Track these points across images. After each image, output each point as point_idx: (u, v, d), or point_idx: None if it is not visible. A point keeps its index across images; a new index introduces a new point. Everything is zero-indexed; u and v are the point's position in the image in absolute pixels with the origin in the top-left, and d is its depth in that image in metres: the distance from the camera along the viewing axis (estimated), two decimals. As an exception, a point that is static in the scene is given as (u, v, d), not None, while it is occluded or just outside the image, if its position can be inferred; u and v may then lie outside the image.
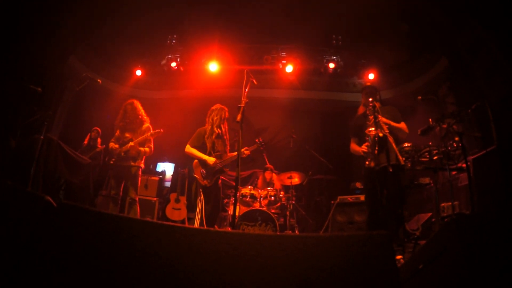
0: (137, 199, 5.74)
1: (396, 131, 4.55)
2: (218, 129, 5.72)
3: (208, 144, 5.66)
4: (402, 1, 7.45)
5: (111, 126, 6.19)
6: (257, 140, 6.09)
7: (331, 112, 11.46)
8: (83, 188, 6.75)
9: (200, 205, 5.59)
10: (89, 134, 8.50)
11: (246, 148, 5.76)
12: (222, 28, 8.88)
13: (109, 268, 1.46)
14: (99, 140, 8.48)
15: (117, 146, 5.73)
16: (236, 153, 5.59)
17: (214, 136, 5.68)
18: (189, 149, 5.71)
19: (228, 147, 5.94)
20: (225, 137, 5.84)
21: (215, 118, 5.76)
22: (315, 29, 8.53)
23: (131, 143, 5.63)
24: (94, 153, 8.09)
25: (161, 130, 5.76)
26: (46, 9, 6.47)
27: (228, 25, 8.72)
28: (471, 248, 1.43)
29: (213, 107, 5.92)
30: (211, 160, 5.56)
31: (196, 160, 5.72)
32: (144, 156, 5.91)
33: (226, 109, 5.88)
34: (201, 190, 5.67)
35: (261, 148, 6.16)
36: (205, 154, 5.65)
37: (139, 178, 5.88)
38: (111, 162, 5.72)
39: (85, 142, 8.42)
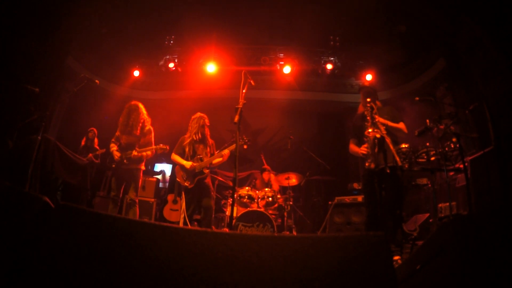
0: (137, 200, 5.72)
1: (395, 131, 4.54)
2: (197, 136, 6.01)
3: (185, 150, 6.00)
4: (399, 2, 7.47)
5: (109, 127, 6.17)
6: (245, 138, 6.21)
7: (329, 113, 11.48)
8: (81, 189, 6.75)
9: (183, 206, 5.93)
10: (85, 135, 8.49)
11: (227, 149, 6.00)
12: (220, 29, 8.89)
13: (107, 269, 1.46)
14: (96, 140, 8.48)
15: (119, 154, 5.68)
16: (216, 156, 5.95)
17: (192, 142, 6.02)
18: (173, 156, 6.08)
19: (213, 150, 6.16)
20: (207, 142, 6.10)
21: (194, 125, 6.09)
22: (312, 30, 8.54)
23: (135, 153, 5.63)
24: (95, 154, 8.08)
25: (167, 147, 5.91)
26: (43, 9, 6.46)
27: (226, 26, 8.73)
28: (468, 248, 1.44)
29: (193, 116, 6.24)
30: (187, 164, 5.86)
31: (177, 165, 6.04)
32: (146, 158, 5.91)
33: (206, 116, 6.20)
34: (183, 192, 6.03)
35: (245, 146, 6.25)
36: (184, 159, 5.96)
37: (140, 180, 5.87)
38: (113, 166, 5.73)
39: (82, 143, 8.42)
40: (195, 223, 6.19)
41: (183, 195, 5.99)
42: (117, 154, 5.69)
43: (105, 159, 6.18)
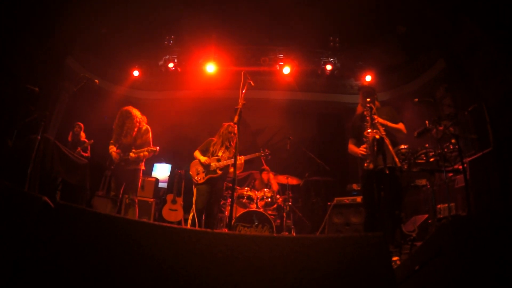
0: (136, 200, 5.71)
1: (394, 131, 4.53)
2: (227, 142, 6.15)
3: (210, 149, 6.16)
4: (399, 2, 7.47)
5: (109, 127, 6.16)
6: (267, 151, 6.59)
7: (328, 114, 11.48)
8: (80, 188, 6.74)
9: (194, 202, 5.97)
10: (71, 131, 8.46)
11: (242, 156, 6.18)
12: (220, 29, 8.89)
13: (106, 268, 1.46)
14: (82, 134, 8.44)
15: (118, 156, 5.67)
16: (232, 160, 5.92)
17: (218, 145, 6.16)
18: (195, 152, 6.21)
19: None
20: (232, 149, 6.19)
21: (225, 132, 6.21)
22: (312, 31, 8.54)
23: (132, 154, 5.61)
24: (83, 147, 8.06)
25: (157, 148, 5.82)
26: (43, 9, 6.46)
27: (226, 26, 8.72)
28: (467, 249, 1.44)
29: (224, 124, 6.32)
30: (203, 158, 6.02)
31: (195, 160, 6.13)
32: (144, 158, 5.88)
33: (235, 126, 6.20)
34: (194, 187, 6.09)
35: (266, 158, 6.71)
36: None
37: (140, 180, 5.85)
38: (112, 167, 5.73)
39: (69, 139, 8.39)
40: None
41: (194, 191, 6.03)
42: (116, 157, 5.67)
43: (105, 161, 6.15)
